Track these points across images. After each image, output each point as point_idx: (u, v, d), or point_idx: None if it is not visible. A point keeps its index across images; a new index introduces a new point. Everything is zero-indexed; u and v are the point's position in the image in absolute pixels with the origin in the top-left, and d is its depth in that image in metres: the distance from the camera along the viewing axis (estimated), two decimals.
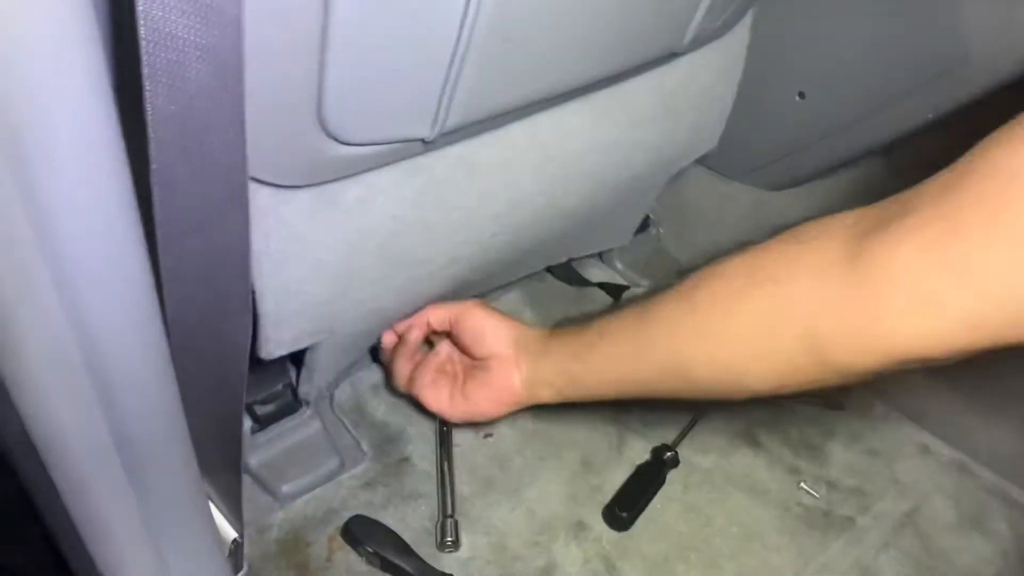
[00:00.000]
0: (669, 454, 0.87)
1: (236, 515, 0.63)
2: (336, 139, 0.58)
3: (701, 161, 1.08)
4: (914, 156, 1.11)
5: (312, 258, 0.64)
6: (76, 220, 0.38)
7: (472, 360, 0.77)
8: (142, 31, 0.40)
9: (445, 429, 0.87)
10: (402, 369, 0.79)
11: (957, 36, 0.81)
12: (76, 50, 0.35)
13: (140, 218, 0.42)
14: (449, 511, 0.81)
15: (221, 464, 0.59)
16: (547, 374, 0.71)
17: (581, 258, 1.10)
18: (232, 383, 0.55)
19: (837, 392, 0.95)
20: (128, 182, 0.39)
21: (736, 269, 0.58)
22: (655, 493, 0.85)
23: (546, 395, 0.72)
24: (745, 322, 0.56)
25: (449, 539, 0.78)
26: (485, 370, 0.74)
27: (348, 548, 0.78)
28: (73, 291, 0.38)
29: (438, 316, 0.79)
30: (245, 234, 0.47)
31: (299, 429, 0.86)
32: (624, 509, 0.82)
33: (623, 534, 0.82)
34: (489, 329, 0.75)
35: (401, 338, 0.80)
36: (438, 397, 0.77)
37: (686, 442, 0.90)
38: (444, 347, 0.79)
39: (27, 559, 0.67)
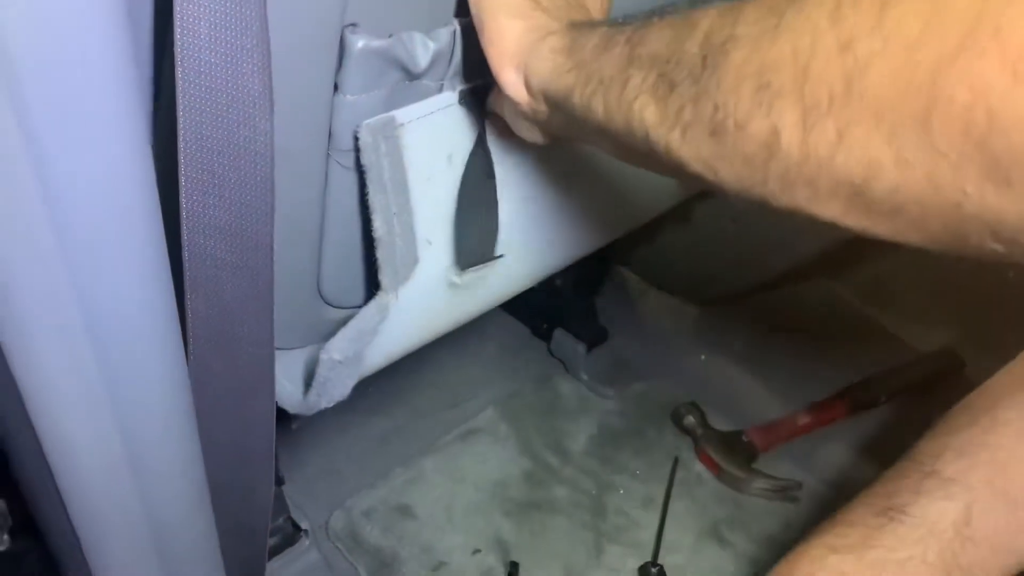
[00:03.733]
0: (655, 569, 0.94)
1: None
2: (332, 305, 0.68)
3: (650, 280, 1.19)
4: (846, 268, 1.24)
5: None
6: (142, 407, 0.46)
7: None
8: (186, 254, 0.49)
9: None
10: None
11: None
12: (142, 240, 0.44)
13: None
14: None
15: None
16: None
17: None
18: (257, 532, 0.62)
19: (793, 486, 1.04)
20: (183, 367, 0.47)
21: None
22: None
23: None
24: None
25: None
26: None
27: None
28: (140, 471, 0.46)
29: None
30: (270, 411, 0.55)
31: (299, 560, 0.92)
32: None
33: None
34: None
35: None
36: None
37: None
38: None
39: None
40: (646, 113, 0.43)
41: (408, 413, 1.15)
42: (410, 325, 0.68)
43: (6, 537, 0.44)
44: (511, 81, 0.54)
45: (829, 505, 1.03)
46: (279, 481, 0.91)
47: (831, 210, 0.37)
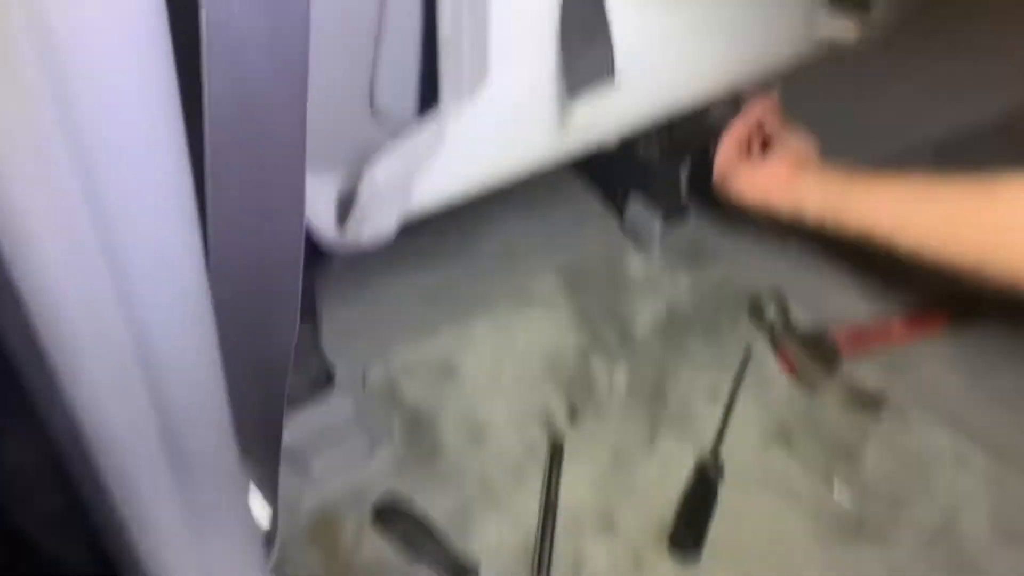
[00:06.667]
0: (716, 464, 0.86)
1: (272, 496, 0.62)
2: (386, 119, 0.58)
3: None
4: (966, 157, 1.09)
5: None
6: (134, 218, 0.37)
7: None
8: (204, 19, 0.39)
9: (551, 498, 0.82)
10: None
11: None
12: (141, 52, 0.34)
13: (197, 214, 0.41)
14: (545, 561, 0.77)
15: (260, 448, 0.58)
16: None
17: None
18: (277, 372, 0.54)
19: (876, 398, 0.93)
20: (188, 183, 0.38)
21: None
22: (714, 514, 0.83)
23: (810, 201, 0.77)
24: None
25: None
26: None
27: (377, 533, 0.78)
28: (128, 287, 0.37)
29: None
30: (299, 228, 0.46)
31: (330, 408, 0.85)
32: (693, 541, 0.80)
33: (653, 530, 0.81)
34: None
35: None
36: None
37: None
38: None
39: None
40: None
41: (462, 268, 1.07)
42: (470, 158, 0.57)
43: None
44: None
45: (914, 420, 0.94)
46: (315, 322, 0.84)
47: None
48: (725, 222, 1.12)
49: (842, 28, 0.75)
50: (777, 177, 0.80)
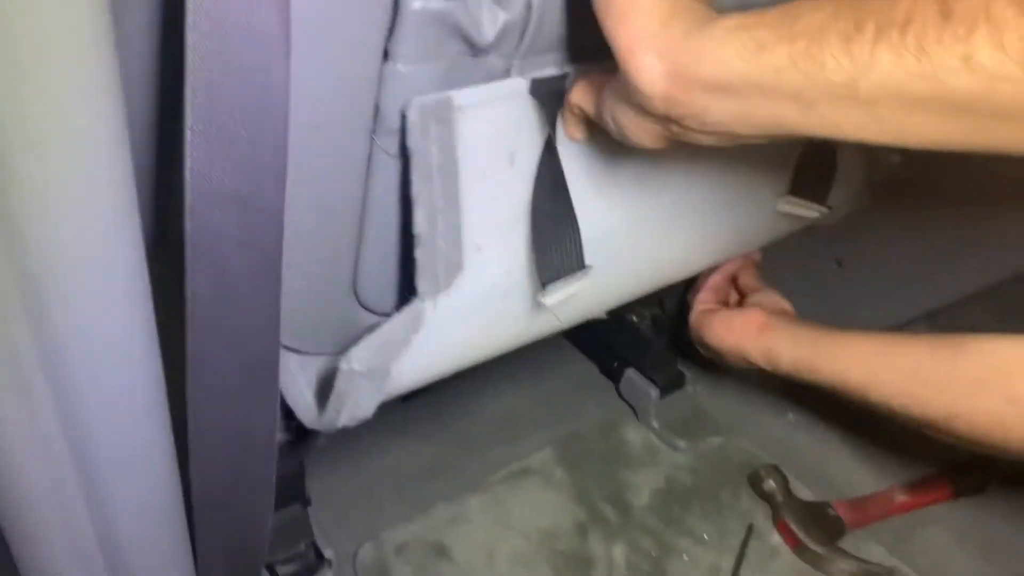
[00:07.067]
0: None
1: None
2: (368, 309, 0.60)
3: None
4: (958, 324, 1.10)
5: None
6: (105, 411, 0.39)
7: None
8: (188, 225, 0.41)
9: None
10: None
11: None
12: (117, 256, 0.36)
13: (167, 404, 0.43)
14: None
15: None
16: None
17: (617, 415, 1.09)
18: (253, 555, 0.54)
19: (882, 571, 0.90)
20: (160, 378, 0.39)
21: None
22: None
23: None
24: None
25: None
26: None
27: None
28: (97, 487, 0.38)
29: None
30: (272, 415, 0.47)
31: None
32: None
33: None
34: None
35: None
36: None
37: None
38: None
39: None
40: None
41: (458, 444, 1.06)
42: (448, 342, 0.59)
43: None
44: (647, 69, 0.45)
45: None
46: (305, 503, 0.83)
47: None
48: (722, 389, 1.12)
49: (804, 209, 0.78)
50: (750, 325, 0.79)
